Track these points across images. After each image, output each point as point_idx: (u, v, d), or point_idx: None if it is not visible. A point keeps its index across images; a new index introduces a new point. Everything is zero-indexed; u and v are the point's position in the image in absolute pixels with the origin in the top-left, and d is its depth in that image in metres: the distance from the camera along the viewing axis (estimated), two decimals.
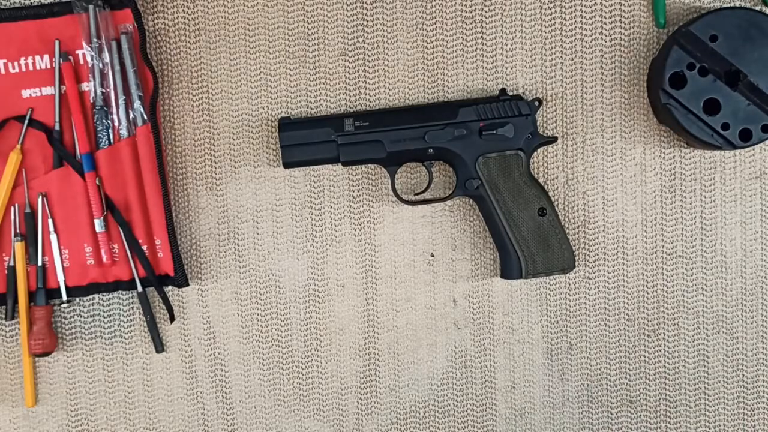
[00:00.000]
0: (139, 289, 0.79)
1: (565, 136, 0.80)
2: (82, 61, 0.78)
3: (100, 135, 0.78)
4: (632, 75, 0.79)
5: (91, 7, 0.76)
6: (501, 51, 0.79)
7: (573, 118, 0.80)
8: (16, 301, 0.78)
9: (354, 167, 0.80)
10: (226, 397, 0.81)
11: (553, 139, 0.77)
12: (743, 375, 0.81)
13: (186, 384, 0.81)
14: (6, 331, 0.80)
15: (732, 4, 0.78)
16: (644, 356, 0.81)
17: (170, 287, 0.80)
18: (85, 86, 0.78)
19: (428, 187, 0.78)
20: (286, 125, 0.77)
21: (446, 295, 0.81)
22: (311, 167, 0.80)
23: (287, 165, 0.77)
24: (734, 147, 0.74)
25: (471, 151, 0.76)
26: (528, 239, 0.76)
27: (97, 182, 0.77)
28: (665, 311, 0.81)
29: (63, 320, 0.81)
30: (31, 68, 0.78)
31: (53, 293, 0.79)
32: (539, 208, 0.76)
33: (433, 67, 0.79)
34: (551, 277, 0.79)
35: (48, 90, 0.78)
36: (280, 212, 0.80)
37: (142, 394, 0.81)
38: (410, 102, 0.80)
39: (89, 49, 0.77)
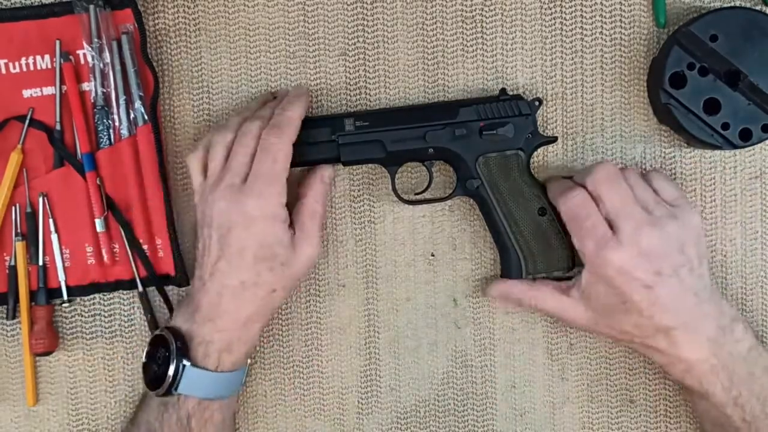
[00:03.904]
0: (140, 288, 0.79)
1: (565, 136, 0.80)
2: (82, 61, 0.78)
3: (100, 135, 0.78)
4: (632, 75, 0.79)
5: (91, 7, 0.76)
6: (501, 51, 0.79)
7: (573, 118, 0.80)
8: (17, 300, 0.78)
9: (354, 167, 0.80)
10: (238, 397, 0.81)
11: (553, 139, 0.77)
12: None
13: None
14: (7, 331, 0.81)
15: (732, 4, 0.78)
16: (645, 356, 0.81)
17: (171, 287, 0.80)
18: (85, 86, 0.78)
19: (428, 186, 0.78)
20: None
21: (447, 294, 0.81)
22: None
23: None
24: (734, 147, 0.74)
25: (471, 151, 0.76)
26: (528, 239, 0.76)
27: (97, 182, 0.77)
28: None
29: (64, 320, 0.81)
30: (31, 68, 0.78)
31: (54, 293, 0.79)
32: (539, 208, 0.76)
33: (433, 67, 0.79)
34: (552, 276, 0.79)
35: (49, 90, 0.78)
36: None
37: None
38: (410, 102, 0.80)
39: (90, 49, 0.77)
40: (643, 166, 0.80)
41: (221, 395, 0.74)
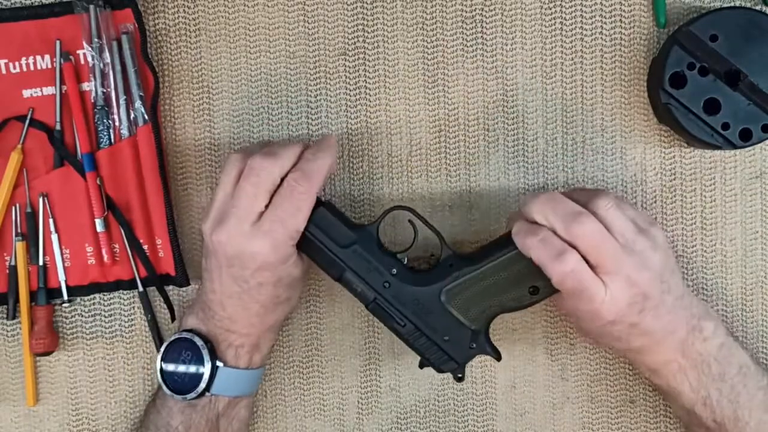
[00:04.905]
0: (140, 288, 0.79)
1: (565, 136, 0.80)
2: (82, 61, 0.78)
3: (100, 135, 0.78)
4: (632, 75, 0.79)
5: (91, 7, 0.76)
6: (501, 51, 0.79)
7: (573, 118, 0.79)
8: (17, 300, 0.79)
9: (354, 168, 0.80)
10: None
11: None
12: None
13: None
14: (7, 331, 0.81)
15: (732, 4, 0.78)
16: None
17: (171, 287, 0.80)
18: (85, 86, 0.78)
19: (412, 245, 0.74)
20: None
21: None
22: None
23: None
24: (734, 147, 0.74)
25: None
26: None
27: (98, 182, 0.77)
28: None
29: (64, 320, 0.81)
30: (32, 68, 0.78)
31: (54, 293, 0.79)
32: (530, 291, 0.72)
33: (433, 67, 0.79)
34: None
35: (49, 90, 0.78)
36: None
37: (143, 393, 0.81)
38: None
39: (90, 49, 0.77)
40: (643, 166, 0.79)
41: (251, 392, 0.77)
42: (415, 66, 0.79)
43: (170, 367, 0.74)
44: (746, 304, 0.80)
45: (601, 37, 0.79)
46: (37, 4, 0.78)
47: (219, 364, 0.73)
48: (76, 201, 0.78)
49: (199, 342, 0.73)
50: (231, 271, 0.70)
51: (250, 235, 0.69)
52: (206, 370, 0.72)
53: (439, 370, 0.73)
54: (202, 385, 0.72)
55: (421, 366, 0.73)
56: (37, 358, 0.81)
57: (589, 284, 0.66)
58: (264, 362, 0.77)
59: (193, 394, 0.73)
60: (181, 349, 0.74)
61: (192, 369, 0.73)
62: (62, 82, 0.77)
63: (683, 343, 0.71)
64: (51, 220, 0.78)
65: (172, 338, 0.75)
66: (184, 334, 0.74)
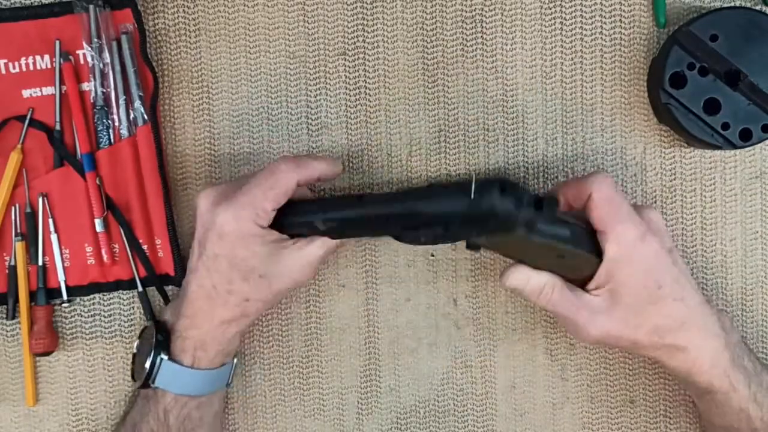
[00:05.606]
0: (140, 288, 0.79)
1: (565, 136, 0.80)
2: (82, 61, 0.78)
3: (100, 135, 0.78)
4: (632, 75, 0.79)
5: (91, 7, 0.76)
6: (501, 51, 0.79)
7: (573, 118, 0.79)
8: (16, 300, 0.78)
9: (353, 166, 0.80)
10: (226, 397, 0.81)
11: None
12: None
13: None
14: (7, 331, 0.81)
15: (732, 4, 0.78)
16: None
17: (171, 287, 0.80)
18: (85, 86, 0.78)
19: None
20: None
21: (447, 294, 0.81)
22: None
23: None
24: (734, 147, 0.74)
25: (458, 238, 0.70)
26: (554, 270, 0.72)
27: (97, 182, 0.77)
28: None
29: (64, 320, 0.81)
30: (31, 68, 0.78)
31: (54, 293, 0.79)
32: (557, 256, 0.71)
33: (433, 67, 0.79)
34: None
35: (48, 90, 0.78)
36: None
37: None
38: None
39: (90, 49, 0.77)
40: (643, 166, 0.80)
41: (197, 392, 0.74)
42: (415, 66, 0.79)
43: (138, 354, 0.76)
44: (746, 304, 0.80)
45: (601, 37, 0.79)
46: (37, 4, 0.78)
47: (164, 356, 0.73)
48: (76, 201, 0.78)
49: (152, 331, 0.74)
50: (199, 236, 0.72)
51: (216, 204, 0.71)
52: (149, 358, 0.73)
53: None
54: (145, 373, 0.73)
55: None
56: (37, 358, 0.81)
57: (627, 203, 0.71)
58: (212, 366, 0.74)
59: (138, 382, 0.74)
60: (145, 337, 0.76)
61: (148, 358, 0.73)
62: (62, 82, 0.77)
63: (723, 331, 0.72)
64: (51, 220, 0.78)
65: (143, 327, 0.78)
66: (149, 323, 0.77)
